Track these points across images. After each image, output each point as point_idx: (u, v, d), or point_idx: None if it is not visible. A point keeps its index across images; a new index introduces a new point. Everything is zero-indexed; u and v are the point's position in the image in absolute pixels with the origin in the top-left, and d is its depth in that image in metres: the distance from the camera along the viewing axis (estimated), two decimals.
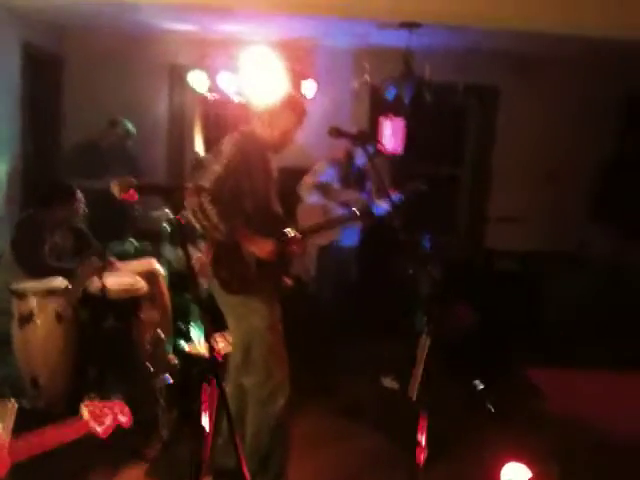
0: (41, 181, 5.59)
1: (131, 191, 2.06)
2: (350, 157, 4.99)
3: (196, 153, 6.47)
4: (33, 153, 5.72)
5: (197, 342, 4.50)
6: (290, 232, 3.12)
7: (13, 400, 2.91)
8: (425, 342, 3.02)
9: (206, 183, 2.84)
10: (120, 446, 2.28)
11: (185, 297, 4.80)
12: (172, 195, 2.11)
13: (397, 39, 5.10)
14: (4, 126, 5.16)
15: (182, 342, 4.55)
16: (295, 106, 3.19)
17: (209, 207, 2.79)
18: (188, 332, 4.73)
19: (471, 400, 4.43)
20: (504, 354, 5.02)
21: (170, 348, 4.43)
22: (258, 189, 3.08)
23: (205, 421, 2.06)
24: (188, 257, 2.02)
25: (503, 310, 5.29)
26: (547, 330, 5.47)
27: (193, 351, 4.10)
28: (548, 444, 3.89)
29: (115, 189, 2.07)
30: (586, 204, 6.22)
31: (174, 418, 3.81)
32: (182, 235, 2.17)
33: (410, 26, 4.83)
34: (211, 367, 2.00)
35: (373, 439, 3.97)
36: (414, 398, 2.94)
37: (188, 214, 2.79)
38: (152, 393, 3.80)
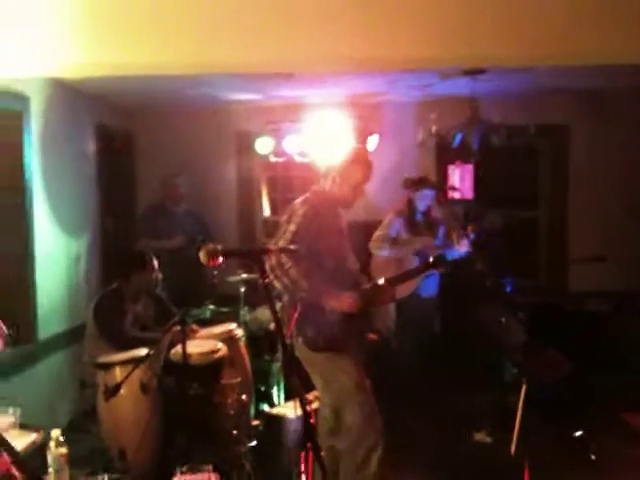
0: (118, 254, 5.75)
1: (217, 257, 2.06)
2: (411, 204, 4.96)
3: (267, 215, 6.58)
4: (111, 227, 5.91)
5: (280, 405, 4.45)
6: (376, 282, 3.10)
7: (106, 476, 2.92)
8: (522, 393, 2.89)
9: (284, 243, 2.85)
10: None
11: (264, 359, 4.77)
12: (257, 257, 2.10)
13: (461, 87, 5.09)
14: (82, 204, 5.36)
15: (264, 405, 4.50)
16: (361, 159, 3.22)
17: (288, 265, 2.80)
18: (269, 395, 4.68)
19: (572, 449, 4.21)
20: (601, 399, 4.75)
21: (252, 412, 4.37)
22: (332, 246, 3.10)
23: None
24: (277, 316, 1.99)
25: (595, 353, 5.04)
26: None
27: (278, 414, 4.03)
28: None
29: (202, 256, 2.07)
30: None
31: None
32: (268, 296, 2.14)
33: (474, 73, 4.80)
34: (308, 431, 1.93)
35: None
36: (514, 451, 2.79)
37: (269, 274, 2.80)
38: (238, 458, 3.74)
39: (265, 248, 2.26)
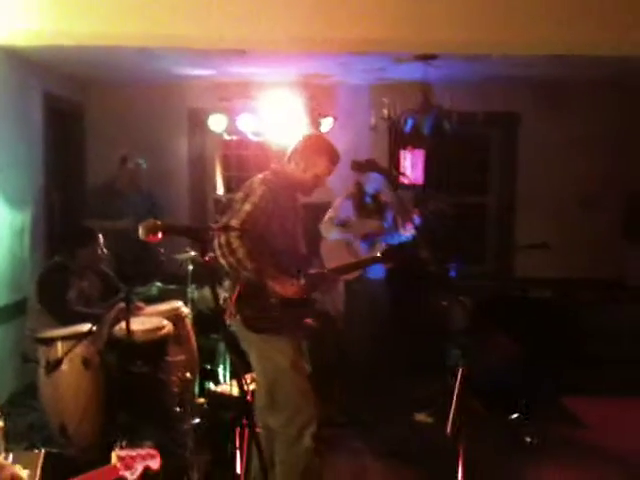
0: (64, 228, 5.64)
1: (157, 232, 2.04)
2: (361, 187, 4.99)
3: (220, 194, 6.53)
4: (57, 201, 5.79)
5: (225, 383, 4.46)
6: (322, 271, 3.12)
7: (42, 450, 2.90)
8: (459, 375, 2.96)
9: (236, 222, 2.84)
10: None
11: (210, 338, 4.77)
12: (199, 235, 2.10)
13: (414, 72, 5.12)
14: (28, 175, 5.23)
15: (210, 384, 4.51)
16: (331, 153, 3.21)
17: (237, 245, 2.79)
18: (215, 373, 4.69)
19: (508, 432, 4.33)
20: (542, 384, 4.90)
21: (197, 390, 4.38)
22: (286, 228, 3.09)
23: (238, 465, 2.00)
24: (216, 296, 2.00)
25: (539, 339, 5.19)
26: (584, 358, 5.36)
27: (222, 392, 4.05)
28: (588, 475, 3.79)
29: (141, 231, 2.06)
30: (621, 228, 6.14)
31: (204, 461, 3.75)
32: (211, 275, 2.14)
33: (426, 58, 4.84)
34: (244, 410, 1.95)
35: (408, 475, 3.91)
36: (450, 432, 2.87)
37: (215, 253, 2.79)
38: (181, 436, 3.75)
39: (207, 226, 2.25)
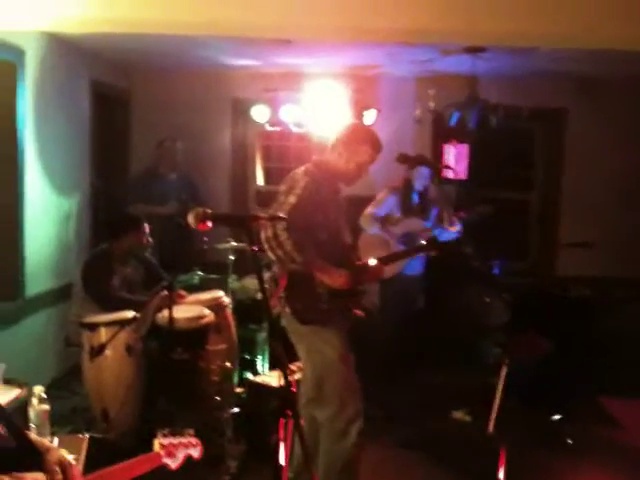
0: (109, 215, 5.72)
1: (206, 221, 2.04)
2: (409, 184, 4.93)
3: (261, 184, 6.55)
4: (102, 188, 5.87)
5: (264, 373, 4.48)
6: (372, 261, 3.11)
7: (86, 434, 2.94)
8: (502, 374, 2.92)
9: (281, 213, 2.83)
10: (187, 477, 2.25)
11: (250, 328, 4.79)
12: (247, 225, 2.09)
13: (461, 64, 5.05)
14: (74, 162, 5.31)
15: (248, 374, 4.53)
16: (374, 141, 3.19)
17: (284, 238, 2.79)
18: (253, 363, 4.71)
19: (549, 432, 4.27)
20: (580, 384, 4.81)
21: (236, 380, 4.41)
22: (330, 219, 3.09)
23: (282, 455, 2.00)
24: (263, 287, 1.99)
25: (577, 338, 5.09)
26: (623, 358, 5.24)
27: (261, 383, 4.06)
28: (626, 477, 3.72)
29: (190, 218, 2.06)
30: None
31: (242, 450, 3.77)
32: (257, 265, 2.13)
33: (475, 50, 4.76)
34: (288, 400, 1.95)
35: (443, 473, 3.86)
36: (492, 431, 2.83)
37: (263, 246, 2.79)
38: (220, 424, 3.78)
39: (255, 215, 2.23)
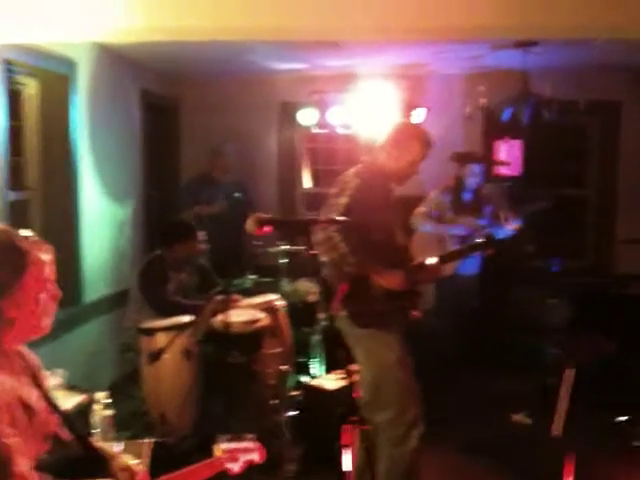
0: (162, 223, 5.79)
1: (264, 225, 2.04)
2: (461, 182, 4.85)
3: (309, 187, 6.54)
4: (154, 194, 5.95)
5: (320, 376, 4.46)
6: (430, 260, 3.07)
7: (150, 439, 2.97)
8: (568, 375, 2.84)
9: (334, 216, 2.81)
10: None
11: (303, 331, 4.79)
12: (304, 228, 2.08)
13: (512, 59, 4.94)
14: (127, 171, 5.40)
15: (303, 377, 4.52)
16: (423, 137, 3.15)
17: (338, 240, 2.77)
18: (307, 366, 4.71)
19: (614, 434, 4.13)
20: None
21: (292, 382, 4.40)
22: (383, 220, 3.05)
23: (348, 462, 1.97)
24: (323, 290, 1.97)
25: (638, 337, 4.93)
26: None
27: (317, 386, 4.05)
28: None
29: (249, 224, 2.06)
30: None
31: (300, 453, 3.76)
32: (316, 268, 2.12)
33: (526, 45, 4.65)
34: (352, 406, 1.92)
35: (508, 478, 3.77)
36: (556, 434, 2.75)
37: (316, 249, 2.77)
38: (277, 427, 3.78)
39: (313, 219, 2.21)
